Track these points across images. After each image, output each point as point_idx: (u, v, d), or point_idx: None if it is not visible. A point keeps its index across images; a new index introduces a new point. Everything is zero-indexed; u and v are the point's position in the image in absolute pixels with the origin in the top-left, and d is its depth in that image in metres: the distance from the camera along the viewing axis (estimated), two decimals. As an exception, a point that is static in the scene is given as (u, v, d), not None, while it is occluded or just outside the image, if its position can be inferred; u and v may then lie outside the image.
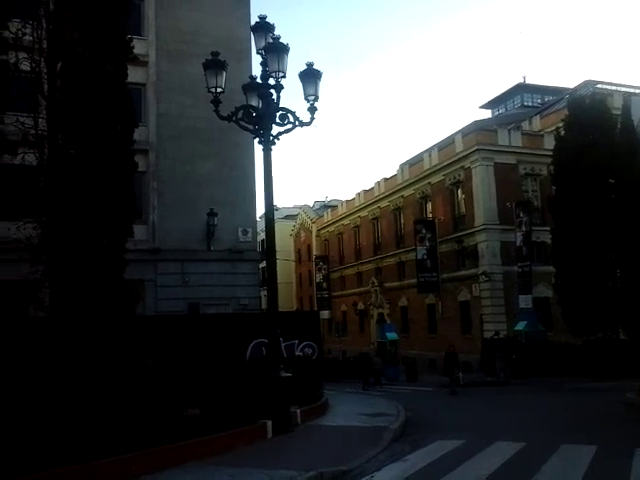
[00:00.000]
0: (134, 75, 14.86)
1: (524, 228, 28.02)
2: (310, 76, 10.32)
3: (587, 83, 38.58)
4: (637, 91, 36.28)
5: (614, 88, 36.61)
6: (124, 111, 12.29)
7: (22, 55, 12.92)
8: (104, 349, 9.75)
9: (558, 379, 20.90)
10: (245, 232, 20.74)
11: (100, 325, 10.61)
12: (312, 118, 10.35)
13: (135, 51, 13.59)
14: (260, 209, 27.71)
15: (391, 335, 31.30)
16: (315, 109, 10.34)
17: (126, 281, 12.27)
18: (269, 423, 9.96)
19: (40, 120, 12.77)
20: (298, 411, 11.16)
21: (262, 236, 33.17)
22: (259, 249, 25.61)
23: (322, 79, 10.46)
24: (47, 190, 12.11)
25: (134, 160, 12.60)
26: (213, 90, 10.27)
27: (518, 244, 28.25)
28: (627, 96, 30.89)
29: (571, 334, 23.62)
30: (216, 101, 10.26)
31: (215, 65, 10.29)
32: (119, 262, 11.98)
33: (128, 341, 10.79)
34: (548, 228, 25.94)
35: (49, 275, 11.81)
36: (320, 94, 10.43)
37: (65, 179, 11.48)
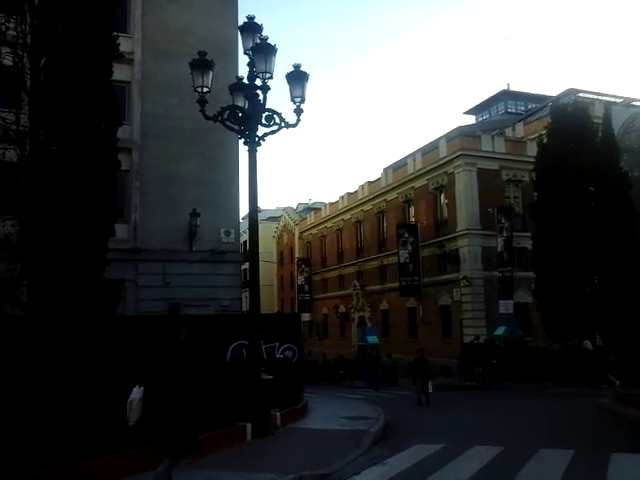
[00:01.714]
0: (119, 73, 14.75)
1: (505, 234, 28.28)
2: (297, 78, 10.32)
3: (569, 91, 39.09)
4: (617, 100, 36.80)
5: (595, 97, 37.11)
6: (108, 109, 12.19)
7: (5, 50, 12.73)
8: (83, 349, 9.63)
9: (536, 384, 21.11)
10: (227, 233, 20.64)
11: (79, 324, 10.47)
12: (298, 120, 10.35)
13: (121, 49, 13.53)
14: (243, 210, 27.65)
15: (372, 338, 31.42)
16: (301, 111, 10.34)
17: (106, 281, 12.16)
18: (249, 426, 9.91)
19: (22, 116, 12.59)
20: (278, 414, 11.12)
21: (244, 237, 33.11)
22: (241, 250, 25.51)
23: (308, 81, 10.47)
24: (27, 187, 11.95)
25: (117, 159, 12.50)
26: (199, 90, 10.22)
27: (499, 249, 28.50)
28: (608, 105, 31.34)
29: (549, 339, 23.89)
30: (202, 101, 10.21)
31: (202, 65, 10.25)
32: (100, 261, 11.87)
33: (107, 341, 10.66)
34: (529, 234, 26.22)
35: (27, 273, 11.64)
36: (306, 96, 10.44)
37: (46, 176, 11.34)
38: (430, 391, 17.08)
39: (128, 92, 19.53)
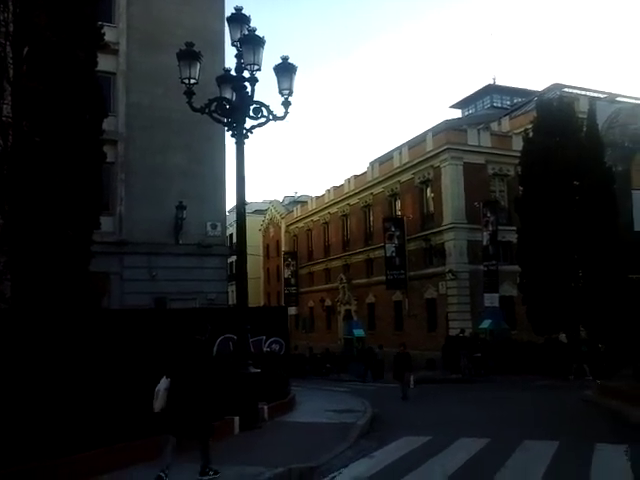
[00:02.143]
0: (104, 63, 14.55)
1: (491, 228, 28.46)
2: (285, 70, 10.26)
3: (555, 86, 39.33)
4: (601, 96, 37.12)
5: (580, 92, 37.41)
6: (93, 99, 12.00)
7: (-14, 38, 12.47)
8: (68, 342, 9.53)
9: (521, 377, 21.32)
10: (214, 226, 20.54)
11: (64, 318, 10.35)
12: (286, 112, 10.29)
13: (106, 38, 13.30)
14: (229, 203, 27.51)
15: (358, 332, 31.53)
16: (289, 103, 10.29)
17: (91, 274, 12.02)
18: (236, 419, 9.89)
19: (5, 106, 12.36)
20: (266, 407, 11.11)
21: (231, 230, 33.00)
22: (227, 243, 25.41)
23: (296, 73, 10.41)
24: (10, 179, 11.74)
25: (102, 150, 12.34)
26: (186, 81, 10.12)
27: (485, 243, 28.68)
28: (592, 101, 31.61)
29: (534, 333, 24.12)
30: (189, 92, 10.11)
31: (189, 56, 10.14)
32: (85, 254, 11.72)
33: (93, 334, 10.56)
34: (514, 228, 26.40)
35: (11, 266, 11.47)
36: (294, 88, 10.38)
37: (30, 167, 11.16)
38: (410, 386, 16.90)
39: (113, 83, 19.30)
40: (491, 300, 27.71)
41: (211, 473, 7.00)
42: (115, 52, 18.98)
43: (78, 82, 11.58)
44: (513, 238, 27.21)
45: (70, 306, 10.72)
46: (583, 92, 37.57)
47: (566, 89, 38.12)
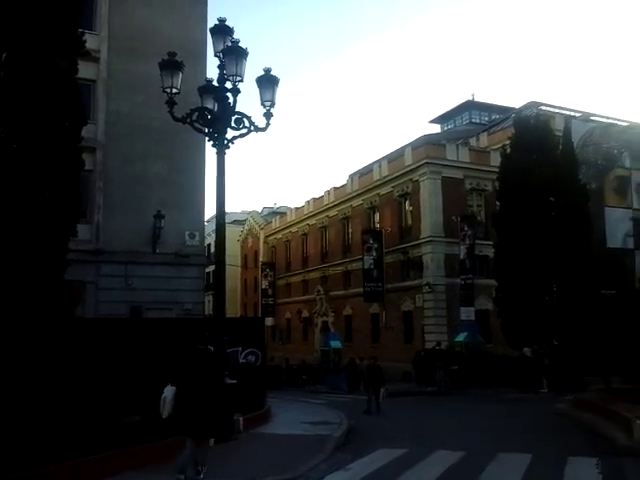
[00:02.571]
0: (84, 71, 14.43)
1: (468, 242, 28.76)
2: (267, 82, 10.33)
3: (531, 104, 40.09)
4: (576, 115, 37.95)
5: (556, 110, 38.18)
6: (72, 107, 11.90)
7: (-36, 44, 12.32)
8: (41, 351, 9.39)
9: (495, 389, 21.50)
10: (192, 236, 20.41)
11: (38, 326, 10.20)
12: (268, 124, 10.35)
13: (87, 46, 13.22)
14: (208, 213, 27.37)
15: (335, 343, 31.48)
16: (271, 115, 10.35)
17: (66, 282, 11.86)
18: (212, 430, 9.79)
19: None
20: (241, 419, 11.05)
21: (209, 240, 32.82)
22: (205, 254, 25.25)
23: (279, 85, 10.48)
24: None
25: (81, 158, 12.22)
26: (168, 90, 10.12)
27: (462, 257, 28.95)
28: (567, 119, 32.31)
29: (509, 346, 24.35)
30: (171, 102, 10.11)
31: (171, 65, 10.16)
32: (60, 262, 11.57)
33: (67, 344, 10.41)
34: (491, 242, 26.74)
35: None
36: (276, 100, 10.44)
37: (6, 174, 11.01)
38: (380, 399, 16.42)
39: (93, 90, 19.13)
40: (467, 313, 27.95)
41: (201, 476, 7.43)
42: (96, 60, 18.84)
43: (58, 89, 11.49)
44: (490, 252, 27.54)
45: (44, 314, 10.55)
46: (558, 110, 38.38)
47: (542, 107, 38.88)
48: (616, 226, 31.72)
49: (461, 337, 26.37)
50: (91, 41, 16.74)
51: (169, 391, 7.45)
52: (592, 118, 36.76)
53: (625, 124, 36.80)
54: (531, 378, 21.43)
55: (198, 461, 7.41)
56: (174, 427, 7.45)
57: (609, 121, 36.91)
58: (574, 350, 22.45)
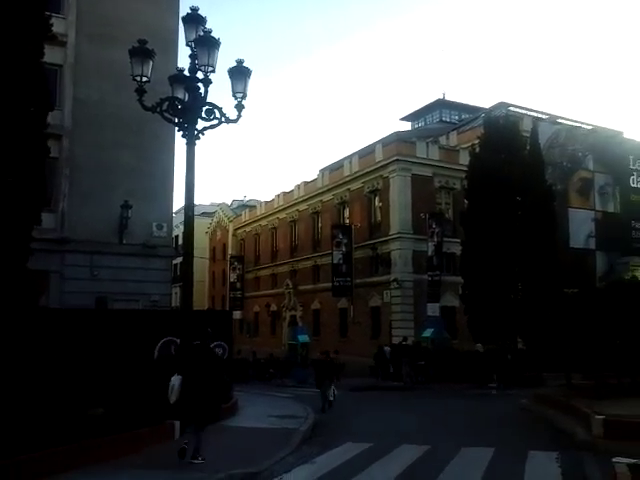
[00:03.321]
0: (51, 55, 14.03)
1: (436, 239, 29.08)
2: (239, 73, 10.22)
3: (500, 105, 40.67)
4: (543, 117, 38.67)
5: (524, 112, 38.81)
6: (38, 92, 11.57)
7: None
8: (1, 342, 9.14)
9: (460, 385, 21.82)
10: (160, 227, 20.13)
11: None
12: (239, 116, 10.24)
13: (53, 29, 12.85)
14: (176, 204, 27.04)
15: (302, 337, 31.49)
16: (243, 107, 10.24)
17: (30, 271, 11.57)
18: (177, 423, 9.72)
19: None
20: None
21: (177, 232, 32.42)
22: (173, 245, 24.94)
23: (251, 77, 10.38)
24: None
25: (46, 144, 11.90)
26: (138, 79, 9.93)
27: (429, 254, 29.26)
28: (535, 121, 32.91)
29: (474, 342, 24.72)
30: (141, 90, 9.92)
31: (142, 53, 9.97)
32: (23, 251, 11.27)
33: (28, 335, 10.17)
34: (458, 240, 27.07)
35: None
36: (248, 92, 10.35)
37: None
38: (331, 398, 15.85)
39: (60, 76, 18.65)
40: (433, 309, 28.31)
41: (200, 459, 8.00)
42: (63, 44, 18.35)
43: (22, 73, 11.16)
44: (457, 250, 27.89)
45: (5, 304, 10.27)
46: (527, 112, 39.03)
47: (511, 108, 39.47)
48: (579, 227, 32.55)
49: (427, 333, 26.67)
50: (58, 25, 16.31)
51: (176, 379, 8.24)
52: (559, 120, 37.55)
53: (590, 127, 37.73)
54: (482, 373, 22.06)
55: (195, 445, 8.07)
56: (179, 412, 8.40)
57: (574, 124, 37.77)
58: (536, 347, 22.92)
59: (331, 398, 15.91)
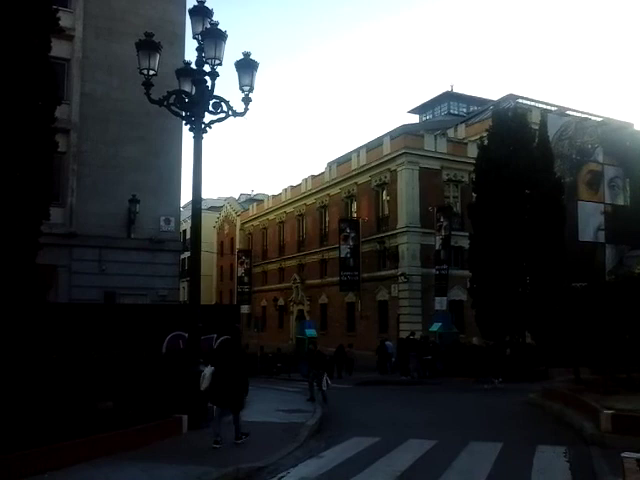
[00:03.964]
0: (58, 49, 14.07)
1: (444, 232, 28.96)
2: (246, 66, 10.19)
3: (509, 97, 40.41)
4: (552, 109, 38.38)
5: (532, 104, 38.57)
6: (46, 86, 11.53)
7: None
8: (11, 336, 9.19)
9: (468, 379, 21.77)
10: (167, 221, 20.15)
11: (8, 311, 9.98)
12: (246, 109, 10.22)
13: (61, 23, 12.79)
14: (184, 198, 27.08)
15: (310, 332, 31.51)
16: (250, 100, 10.22)
17: (38, 266, 11.61)
18: (185, 417, 9.77)
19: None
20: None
21: (184, 226, 32.53)
22: (181, 239, 25.00)
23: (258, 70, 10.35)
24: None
25: (54, 139, 11.90)
26: (145, 72, 9.92)
27: (437, 248, 29.17)
28: (544, 113, 32.63)
29: (482, 336, 24.65)
30: (148, 84, 9.92)
31: (148, 46, 9.96)
32: (32, 245, 11.30)
33: (38, 329, 10.22)
34: (466, 234, 26.95)
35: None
36: (255, 85, 10.33)
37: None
38: (324, 387, 15.27)
39: (67, 70, 18.67)
40: (441, 303, 28.24)
41: (243, 437, 9.10)
42: (70, 38, 18.35)
43: (30, 67, 11.15)
44: (465, 243, 27.77)
45: (15, 299, 10.31)
46: (535, 104, 38.78)
47: (520, 100, 39.23)
48: (588, 220, 32.32)
49: (435, 327, 26.62)
50: (65, 18, 16.28)
51: (208, 370, 9.31)
52: (568, 112, 37.24)
53: (599, 119, 37.38)
54: (484, 368, 21.75)
55: (235, 427, 9.14)
56: (211, 399, 9.45)
57: (584, 116, 37.44)
58: (544, 341, 22.81)
59: (324, 388, 15.30)
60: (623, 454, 5.97)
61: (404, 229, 30.45)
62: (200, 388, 9.24)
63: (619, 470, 5.99)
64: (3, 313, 9.89)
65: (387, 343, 28.01)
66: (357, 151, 37.30)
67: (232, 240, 54.60)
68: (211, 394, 9.33)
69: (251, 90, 10.22)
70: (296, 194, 42.88)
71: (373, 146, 36.17)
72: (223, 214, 57.88)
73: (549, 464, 7.97)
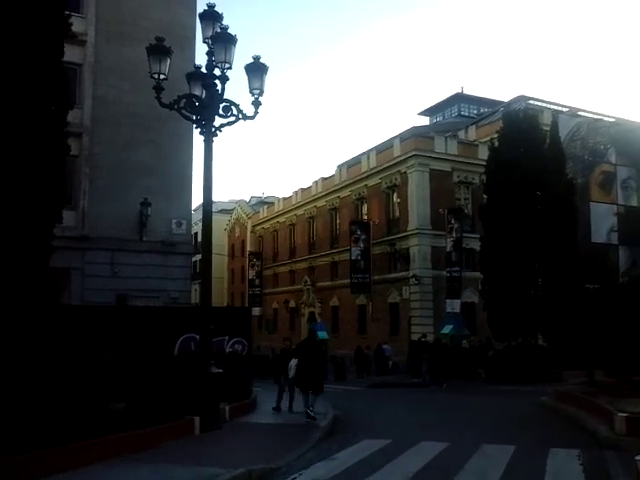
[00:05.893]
0: (71, 54, 14.18)
1: (455, 234, 28.87)
2: (256, 70, 10.22)
3: (520, 98, 40.23)
4: (564, 110, 38.15)
5: (544, 105, 38.38)
6: (59, 90, 11.66)
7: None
8: (25, 338, 9.28)
9: (480, 381, 21.67)
10: (179, 224, 20.26)
11: (22, 313, 10.08)
12: (256, 112, 10.25)
13: (73, 29, 12.95)
14: (195, 201, 27.22)
15: (321, 334, 31.45)
16: (260, 103, 10.25)
17: (51, 269, 11.72)
18: (197, 419, 9.78)
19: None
20: (227, 408, 11.03)
21: (196, 229, 32.60)
22: (192, 242, 25.11)
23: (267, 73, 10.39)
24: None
25: (67, 143, 12.02)
26: (156, 76, 9.98)
27: (448, 249, 29.07)
28: (555, 114, 32.42)
29: (494, 339, 24.52)
30: (158, 88, 9.98)
31: (159, 50, 10.02)
32: (45, 249, 11.41)
33: (52, 331, 10.31)
34: (478, 235, 26.83)
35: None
36: (265, 88, 10.36)
37: (-10, 158, 10.80)
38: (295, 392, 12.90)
39: (79, 74, 18.86)
40: (452, 306, 28.13)
41: (311, 420, 11.31)
42: (82, 43, 18.54)
43: (43, 72, 11.27)
44: (476, 245, 27.64)
45: (29, 302, 10.41)
46: (546, 105, 38.58)
47: (531, 101, 39.06)
48: (600, 221, 32.06)
49: (447, 329, 26.52)
50: (77, 24, 16.43)
51: (294, 361, 12.14)
52: (579, 113, 37.00)
53: (612, 120, 37.11)
54: (469, 368, 22.97)
55: (309, 404, 11.60)
56: (297, 384, 12.22)
57: (596, 117, 37.18)
58: (556, 343, 22.62)
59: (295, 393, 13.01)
60: (637, 457, 5.91)
61: (415, 231, 30.39)
62: (288, 375, 12.30)
63: (633, 473, 5.93)
64: (18, 315, 9.99)
65: (384, 347, 28.18)
66: (367, 153, 37.31)
67: (243, 242, 54.78)
68: (296, 380, 12.03)
69: (261, 93, 10.25)
70: (306, 196, 42.95)
71: (383, 148, 36.17)
72: (234, 217, 58.08)
73: (562, 467, 7.90)
